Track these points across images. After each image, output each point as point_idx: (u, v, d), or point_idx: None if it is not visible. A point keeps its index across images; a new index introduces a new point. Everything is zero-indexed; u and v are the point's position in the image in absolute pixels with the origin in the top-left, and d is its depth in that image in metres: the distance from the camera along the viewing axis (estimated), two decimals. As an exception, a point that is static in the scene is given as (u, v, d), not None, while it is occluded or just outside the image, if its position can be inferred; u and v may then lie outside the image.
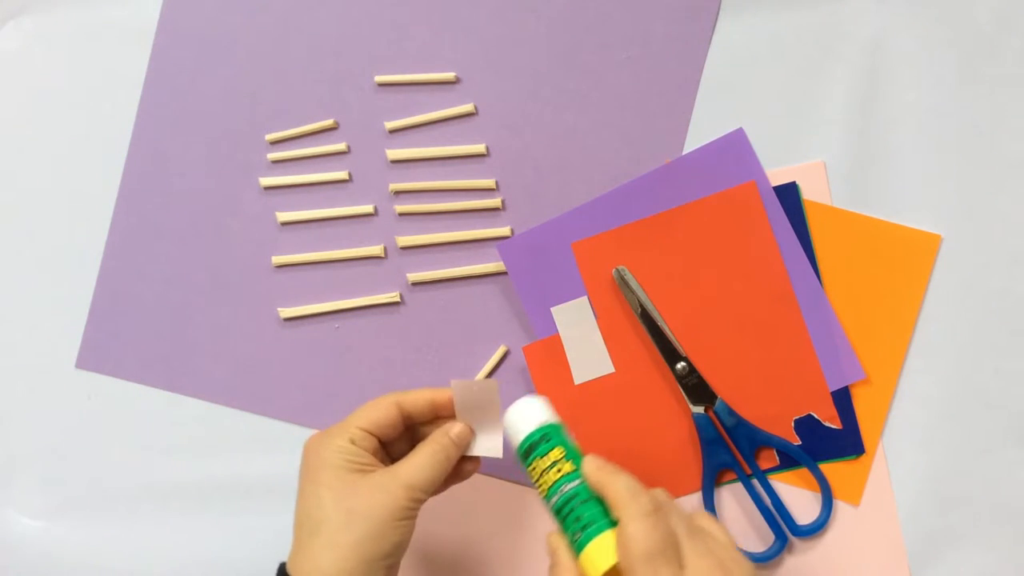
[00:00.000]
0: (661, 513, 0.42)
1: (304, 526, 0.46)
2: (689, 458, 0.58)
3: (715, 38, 0.60)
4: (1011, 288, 0.58)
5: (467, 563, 0.60)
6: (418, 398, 0.50)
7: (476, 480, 0.59)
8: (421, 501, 0.47)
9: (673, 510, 0.44)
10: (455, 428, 0.50)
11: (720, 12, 0.60)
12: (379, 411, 0.49)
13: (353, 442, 0.47)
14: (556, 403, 0.58)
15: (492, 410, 0.50)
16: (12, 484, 0.63)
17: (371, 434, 0.48)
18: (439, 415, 0.51)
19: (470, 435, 0.51)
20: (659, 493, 0.47)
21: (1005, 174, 0.59)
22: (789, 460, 0.58)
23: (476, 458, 0.52)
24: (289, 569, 0.46)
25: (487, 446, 0.51)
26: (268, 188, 0.62)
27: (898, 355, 0.58)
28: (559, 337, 0.59)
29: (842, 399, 0.58)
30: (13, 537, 0.62)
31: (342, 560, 0.45)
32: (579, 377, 0.59)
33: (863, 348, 0.58)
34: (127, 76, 0.63)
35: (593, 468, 0.46)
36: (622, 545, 0.42)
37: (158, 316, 0.62)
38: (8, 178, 0.64)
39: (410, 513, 0.47)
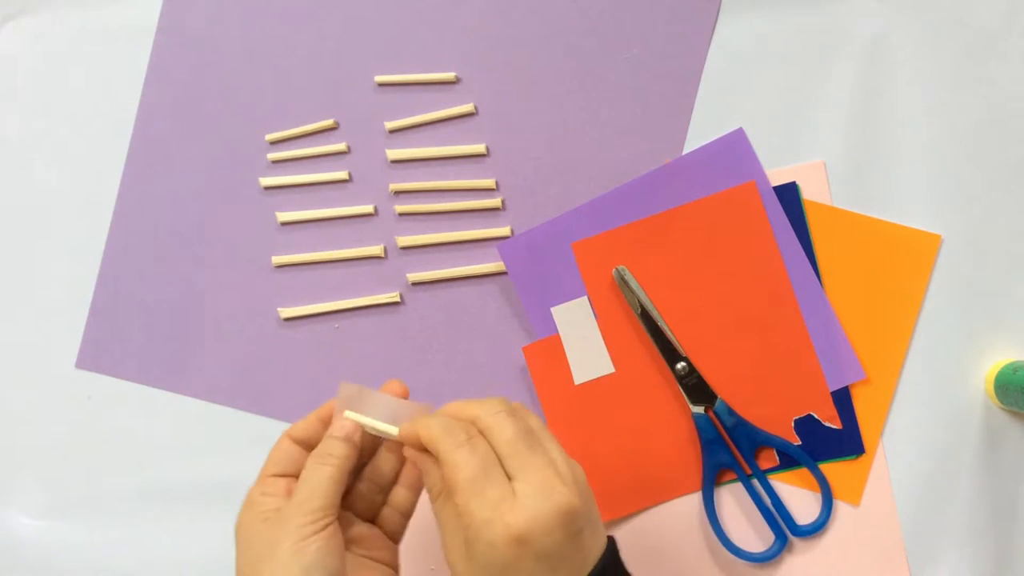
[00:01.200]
0: (475, 440, 0.42)
1: None
2: (689, 458, 0.58)
3: (715, 38, 0.60)
4: (1011, 288, 0.58)
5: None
6: (306, 421, 0.48)
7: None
8: (322, 513, 0.43)
9: (499, 429, 0.42)
10: (333, 424, 0.47)
11: (720, 12, 0.60)
12: (275, 451, 0.47)
13: (264, 493, 0.46)
14: (556, 403, 0.59)
15: (382, 402, 0.48)
16: (12, 484, 0.63)
17: (279, 476, 0.46)
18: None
19: (351, 424, 0.47)
20: (487, 409, 0.43)
21: (1005, 174, 0.59)
22: (789, 460, 0.58)
23: (399, 447, 0.49)
24: None
25: (383, 426, 0.47)
26: (268, 188, 0.62)
27: (898, 355, 0.58)
28: (559, 337, 0.59)
29: (842, 399, 0.58)
30: (13, 537, 0.62)
31: None
32: (579, 377, 0.59)
33: (863, 348, 0.58)
34: (127, 76, 0.63)
35: (405, 426, 0.44)
36: (447, 479, 0.41)
37: (158, 316, 0.62)
38: (8, 178, 0.64)
39: (309, 530, 0.43)
